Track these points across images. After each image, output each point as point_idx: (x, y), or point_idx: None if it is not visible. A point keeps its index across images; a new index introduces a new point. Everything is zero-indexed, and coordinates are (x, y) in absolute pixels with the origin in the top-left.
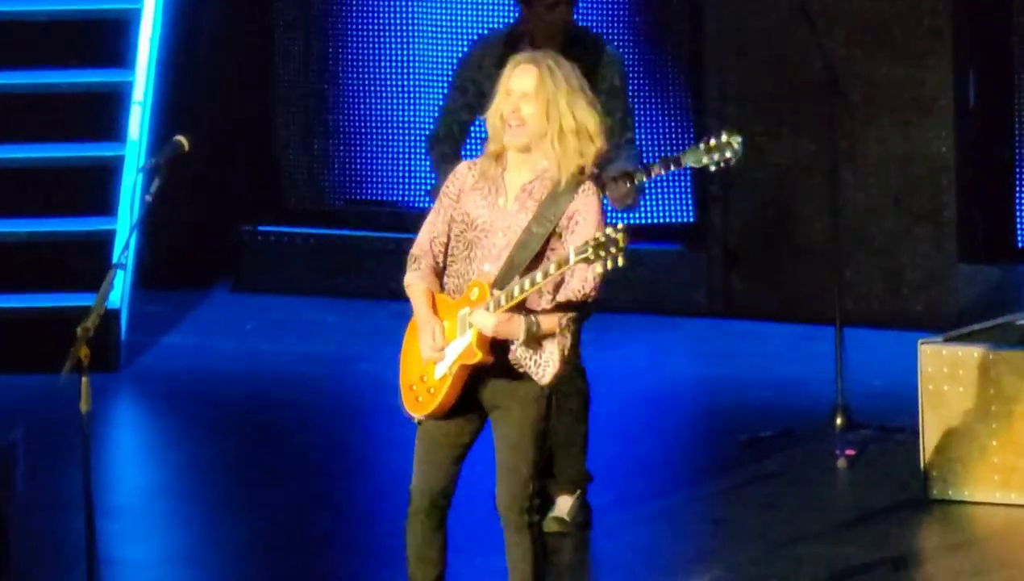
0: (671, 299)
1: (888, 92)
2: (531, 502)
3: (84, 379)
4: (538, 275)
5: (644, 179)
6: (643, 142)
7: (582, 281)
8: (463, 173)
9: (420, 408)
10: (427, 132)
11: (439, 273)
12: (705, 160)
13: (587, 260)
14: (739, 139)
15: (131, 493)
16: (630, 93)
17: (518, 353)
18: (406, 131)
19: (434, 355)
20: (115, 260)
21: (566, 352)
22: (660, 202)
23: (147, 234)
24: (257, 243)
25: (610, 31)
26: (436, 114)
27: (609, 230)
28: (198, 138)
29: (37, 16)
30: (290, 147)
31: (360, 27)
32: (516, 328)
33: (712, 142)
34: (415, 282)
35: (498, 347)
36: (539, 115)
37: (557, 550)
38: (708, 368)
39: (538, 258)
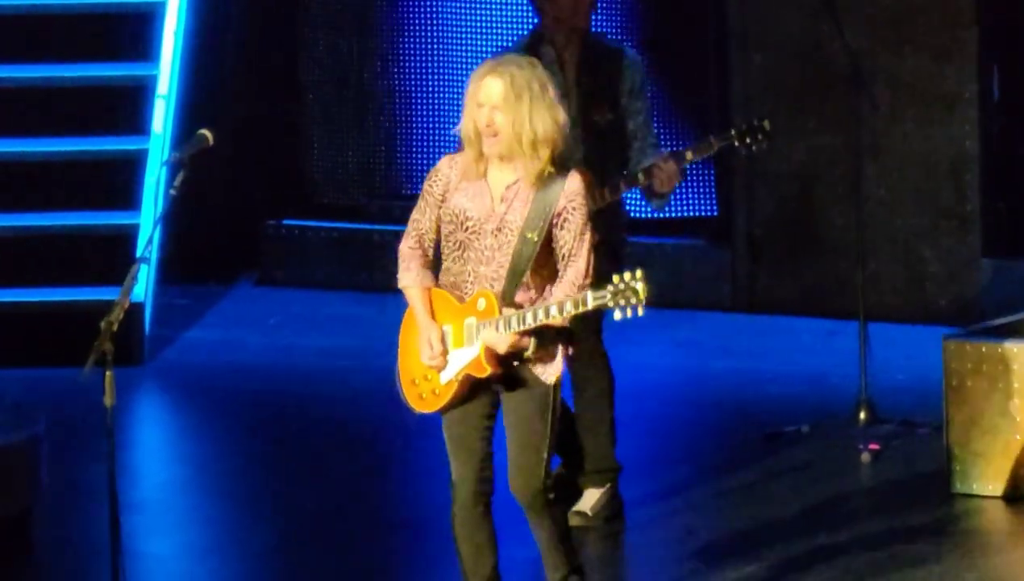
0: (695, 293)
1: (912, 86)
2: (544, 483)
3: (108, 373)
4: (553, 309)
5: (687, 161)
6: (667, 138)
7: (575, 270)
8: (445, 171)
9: (423, 405)
10: (458, 119)
11: (431, 267)
12: (737, 143)
13: (604, 305)
14: (769, 123)
15: (155, 487)
16: (649, 95)
17: (532, 365)
18: (431, 125)
19: (433, 364)
20: (139, 254)
21: (570, 351)
22: (684, 196)
23: (171, 228)
24: (281, 237)
25: (634, 28)
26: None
27: (627, 276)
28: (223, 132)
29: (62, 9)
30: (315, 141)
31: (385, 22)
32: (526, 343)
33: (744, 127)
34: (412, 284)
35: (505, 359)
36: (506, 124)
37: (584, 543)
38: (732, 362)
39: (536, 261)
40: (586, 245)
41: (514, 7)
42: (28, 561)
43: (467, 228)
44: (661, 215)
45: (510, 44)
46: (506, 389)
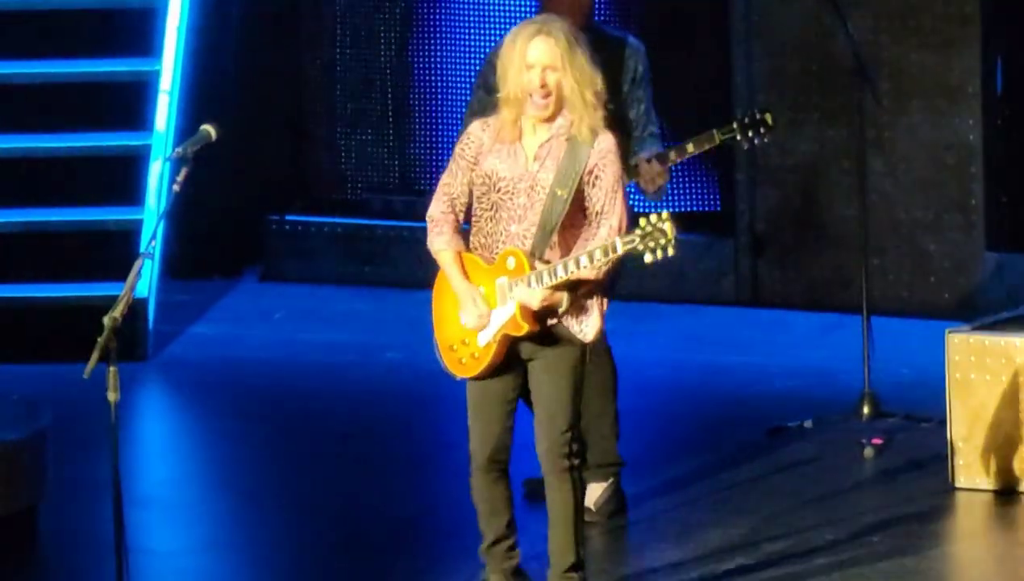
0: (698, 287)
1: (916, 79)
2: (570, 447)
3: (112, 368)
4: (583, 259)
5: (677, 159)
6: (670, 131)
7: (609, 225)
8: (478, 134)
9: (464, 370)
10: (461, 114)
11: (461, 233)
12: (739, 137)
13: (635, 250)
14: (771, 116)
15: (159, 482)
16: (650, 86)
17: (563, 318)
18: (436, 120)
19: (480, 324)
20: (143, 250)
21: (604, 307)
22: (687, 190)
23: (175, 223)
24: (285, 232)
25: (636, 19)
26: (469, 94)
27: (654, 218)
28: (226, 127)
29: (65, 5)
30: (318, 136)
31: (390, 17)
32: (560, 298)
33: (746, 119)
34: (444, 248)
35: (541, 315)
36: (565, 82)
37: (587, 538)
38: (735, 357)
39: (566, 219)
40: (619, 202)
41: (517, 5)
42: (34, 556)
43: (500, 189)
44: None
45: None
46: (539, 345)
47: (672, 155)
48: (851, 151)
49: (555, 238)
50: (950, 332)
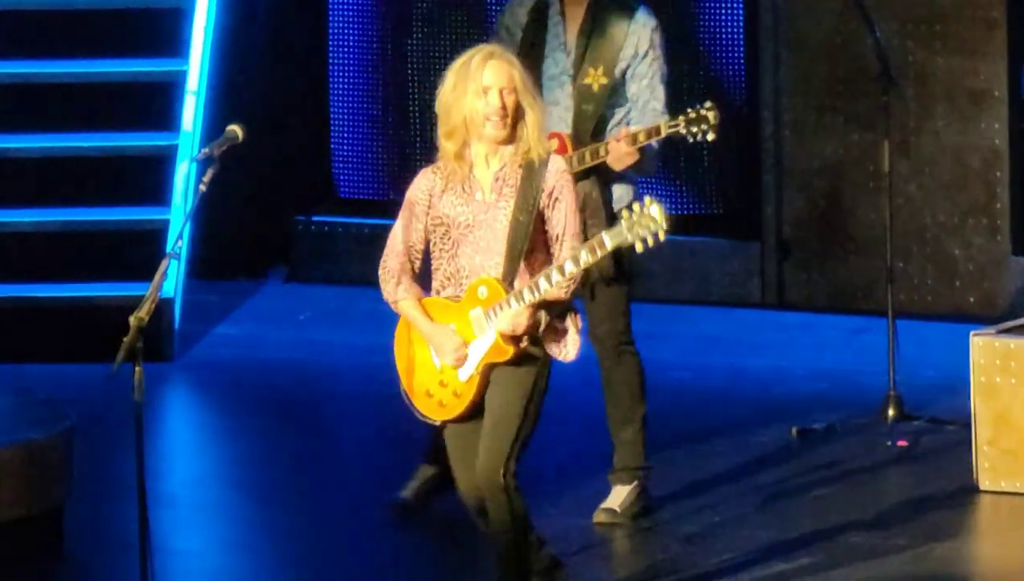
0: (724, 290)
1: (942, 83)
2: (506, 467)
3: (138, 368)
4: (568, 264)
5: (644, 141)
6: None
7: (571, 249)
8: (428, 180)
9: (445, 413)
10: None
11: (418, 281)
12: (683, 130)
13: (624, 242)
14: (716, 113)
15: (184, 482)
16: (665, 62)
17: (544, 341)
18: None
19: (458, 358)
20: (169, 250)
21: (579, 325)
22: (714, 192)
23: (201, 224)
24: (311, 233)
25: (663, 24)
26: None
27: (637, 207)
28: (252, 128)
29: (91, 5)
30: (344, 137)
31: (415, 17)
32: (540, 317)
33: (692, 114)
34: (404, 296)
35: (521, 337)
36: (526, 101)
37: (612, 539)
38: (761, 359)
39: (531, 242)
40: (577, 225)
41: None
42: (59, 556)
43: (460, 225)
44: (691, 211)
45: None
46: (496, 375)
47: (642, 136)
48: (877, 155)
49: (522, 264)
50: (975, 335)
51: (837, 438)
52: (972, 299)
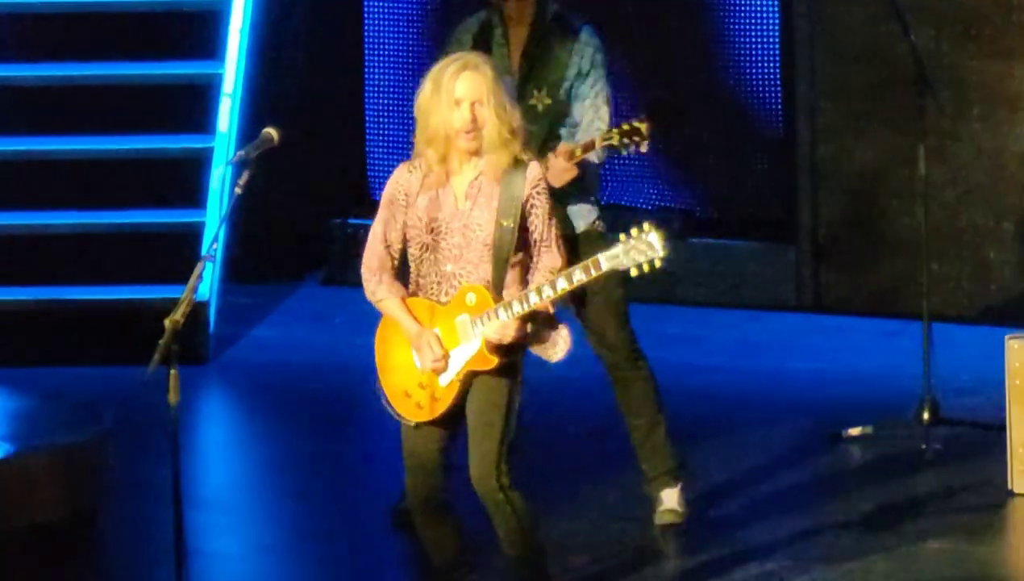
0: (759, 293)
1: (977, 87)
2: (499, 469)
3: (173, 371)
4: (561, 281)
5: (580, 156)
6: (735, 139)
7: (549, 253)
8: (405, 178)
9: (421, 414)
10: None
11: (399, 279)
12: (615, 142)
13: (619, 265)
14: (648, 125)
15: (219, 485)
16: (606, 80)
17: (533, 346)
18: None
19: (437, 367)
20: (204, 252)
21: (567, 325)
22: (749, 196)
23: (237, 226)
24: (347, 236)
25: (698, 28)
26: None
27: (635, 231)
28: (288, 130)
29: (127, 7)
30: (379, 139)
31: (449, 20)
32: (527, 327)
33: (625, 127)
34: (387, 296)
35: (507, 347)
36: (492, 117)
37: (648, 542)
38: (796, 363)
39: (514, 251)
40: (555, 229)
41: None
42: (94, 558)
43: (433, 229)
44: (726, 215)
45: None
46: (473, 380)
47: (578, 151)
48: (913, 159)
49: (508, 269)
50: (1010, 339)
51: (872, 441)
52: (1008, 302)
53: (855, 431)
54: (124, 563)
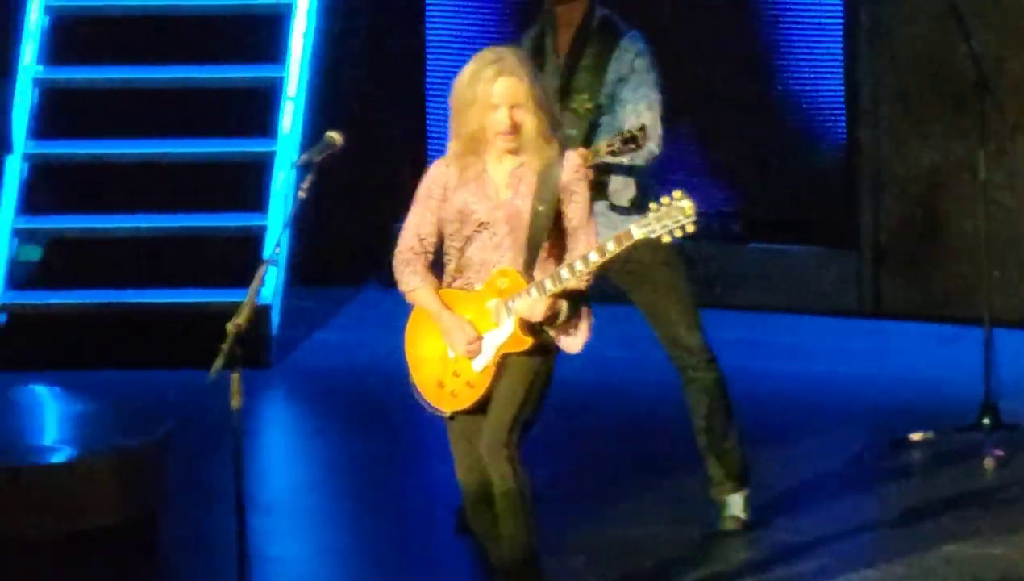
0: (820, 298)
1: None
2: (509, 438)
3: (235, 375)
4: (593, 255)
5: (591, 160)
6: (797, 143)
7: (587, 238)
8: (442, 172)
9: (456, 403)
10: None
11: (432, 270)
12: (616, 149)
13: (651, 232)
14: (643, 133)
15: (281, 489)
16: (651, 86)
17: (557, 331)
18: None
19: (471, 350)
20: (267, 256)
21: (591, 318)
22: (810, 200)
23: (299, 230)
24: None
25: (762, 34)
26: None
27: (665, 200)
28: (351, 134)
29: (190, 11)
30: (442, 142)
31: (513, 21)
32: (561, 306)
33: (625, 135)
34: (420, 286)
35: (539, 328)
36: (530, 118)
37: (737, 548)
38: (856, 367)
39: (549, 234)
40: (592, 217)
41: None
42: (155, 562)
43: (474, 221)
44: (785, 219)
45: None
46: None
47: (590, 156)
48: (973, 164)
49: (542, 255)
50: None
51: (932, 447)
52: None
53: (916, 436)
54: (185, 567)
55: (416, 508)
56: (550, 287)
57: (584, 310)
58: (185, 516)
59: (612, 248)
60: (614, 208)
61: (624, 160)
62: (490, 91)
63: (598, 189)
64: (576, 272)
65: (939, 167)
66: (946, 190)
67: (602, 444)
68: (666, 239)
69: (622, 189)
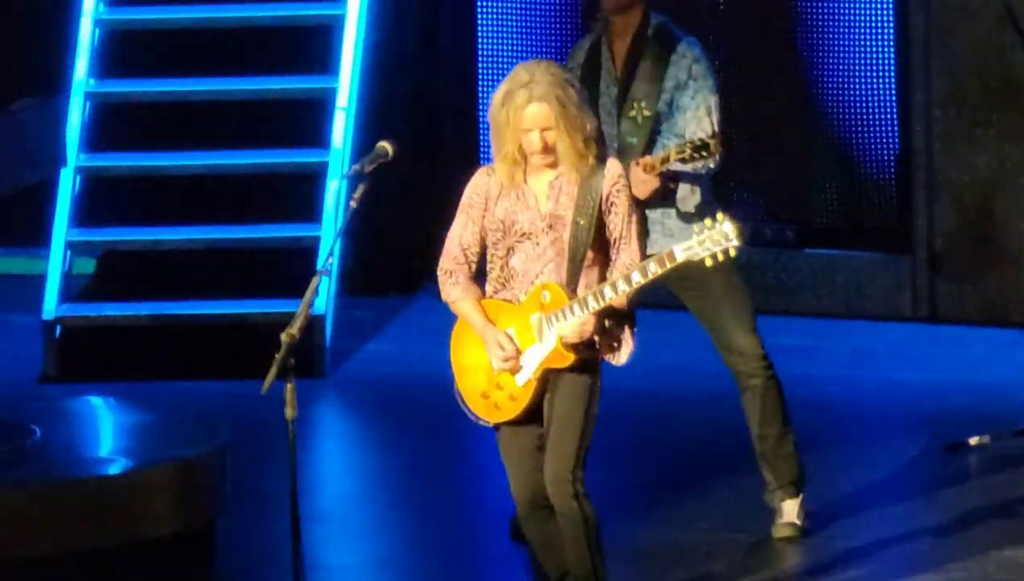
0: (875, 303)
1: None
2: (575, 474)
3: (290, 385)
4: (636, 275)
5: (660, 167)
6: (851, 149)
7: (628, 250)
8: (484, 182)
9: (500, 415)
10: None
11: (475, 281)
12: (687, 156)
13: (694, 257)
14: (716, 142)
15: (336, 498)
16: (711, 91)
17: (602, 345)
18: None
19: (508, 367)
20: (320, 266)
21: (634, 329)
22: (864, 206)
23: (352, 240)
24: None
25: (814, 38)
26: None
27: (708, 222)
28: (402, 144)
29: (241, 23)
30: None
31: (565, 32)
32: (602, 325)
33: (697, 142)
34: (462, 297)
35: (582, 344)
36: (563, 137)
37: (791, 554)
38: (912, 373)
39: (590, 250)
40: (635, 227)
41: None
42: (213, 571)
43: (516, 231)
44: (841, 225)
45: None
46: (553, 382)
47: (657, 163)
48: None
49: (585, 264)
50: None
51: (989, 453)
52: None
53: (973, 440)
54: (242, 577)
55: (470, 517)
56: (593, 305)
57: (627, 323)
58: (241, 526)
59: (655, 269)
60: (679, 214)
61: (688, 168)
62: (521, 116)
63: (665, 196)
64: (619, 291)
65: (993, 171)
66: (1001, 194)
67: (657, 450)
68: (708, 263)
69: (689, 196)
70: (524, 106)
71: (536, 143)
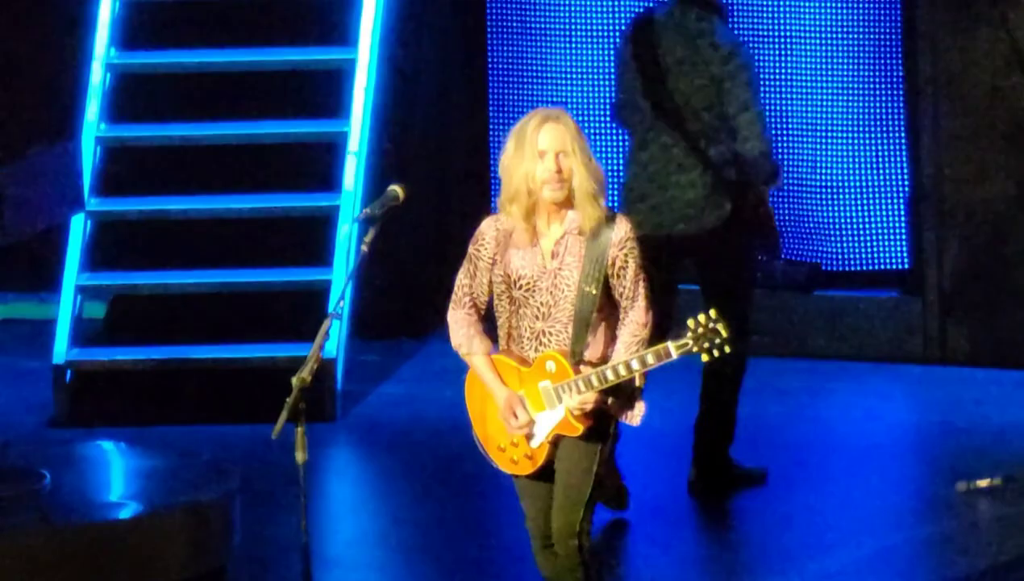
0: (886, 345)
1: None
2: (581, 527)
3: (300, 429)
4: (635, 363)
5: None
6: (856, 182)
7: (636, 316)
8: (491, 233)
9: (517, 469)
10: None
11: (485, 333)
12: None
13: (689, 352)
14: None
15: (347, 542)
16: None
17: (611, 409)
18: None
19: (522, 434)
20: (331, 310)
21: (642, 385)
22: (875, 248)
23: (363, 283)
24: None
25: (822, 79)
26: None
27: (703, 318)
28: (414, 187)
29: (251, 67)
30: None
31: (577, 76)
32: (604, 398)
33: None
34: (475, 351)
35: (591, 413)
36: (579, 168)
37: None
38: (924, 415)
39: (598, 312)
40: (642, 286)
41: None
42: None
43: (520, 286)
44: (852, 268)
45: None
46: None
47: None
48: None
49: (592, 324)
50: None
51: (1001, 493)
52: None
53: (983, 483)
54: None
55: (482, 560)
56: (596, 384)
57: (637, 387)
58: (252, 571)
59: (651, 361)
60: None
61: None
62: (536, 139)
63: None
64: (621, 375)
65: (1003, 212)
66: (1012, 235)
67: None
68: (705, 358)
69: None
70: (540, 127)
71: (550, 167)
